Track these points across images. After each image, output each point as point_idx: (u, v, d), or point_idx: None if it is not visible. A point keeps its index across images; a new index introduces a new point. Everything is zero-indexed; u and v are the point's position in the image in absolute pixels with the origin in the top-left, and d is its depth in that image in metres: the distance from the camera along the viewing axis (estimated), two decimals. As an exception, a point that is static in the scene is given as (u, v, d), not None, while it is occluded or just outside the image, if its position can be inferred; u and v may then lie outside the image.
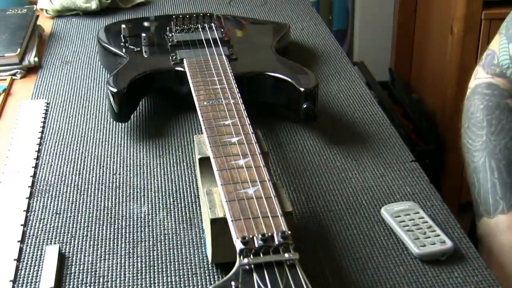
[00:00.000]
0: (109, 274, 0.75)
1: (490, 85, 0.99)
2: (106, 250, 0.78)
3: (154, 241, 0.79)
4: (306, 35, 1.34)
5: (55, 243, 0.79)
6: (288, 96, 1.01)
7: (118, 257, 0.77)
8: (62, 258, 0.77)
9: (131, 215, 0.84)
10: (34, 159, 0.95)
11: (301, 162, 0.94)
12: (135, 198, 0.87)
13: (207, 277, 0.74)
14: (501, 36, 1.01)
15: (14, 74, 1.20)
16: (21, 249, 0.79)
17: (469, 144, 0.95)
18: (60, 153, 0.97)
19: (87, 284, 0.73)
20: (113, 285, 0.73)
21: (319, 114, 1.01)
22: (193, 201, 0.87)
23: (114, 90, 0.98)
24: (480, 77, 1.00)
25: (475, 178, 0.93)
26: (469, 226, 1.09)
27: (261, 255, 0.62)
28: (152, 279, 0.74)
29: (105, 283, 0.74)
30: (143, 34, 1.12)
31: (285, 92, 1.01)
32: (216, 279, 0.74)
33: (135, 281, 0.74)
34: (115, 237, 0.80)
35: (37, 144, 0.99)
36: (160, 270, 0.75)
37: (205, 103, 0.88)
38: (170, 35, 1.14)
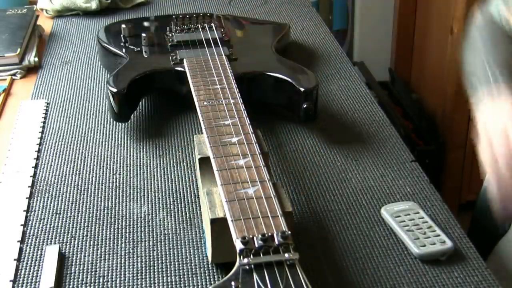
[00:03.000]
0: (109, 274, 0.75)
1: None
2: (106, 250, 0.78)
3: (154, 241, 0.79)
4: (306, 35, 1.34)
5: (55, 243, 0.79)
6: (288, 96, 1.01)
7: (118, 257, 0.77)
8: (62, 258, 0.77)
9: (131, 215, 0.84)
10: (34, 159, 0.95)
11: (301, 162, 0.94)
12: (135, 198, 0.87)
13: (207, 277, 0.74)
14: None
15: (14, 74, 1.20)
16: (21, 249, 0.79)
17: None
18: (60, 153, 0.97)
19: (87, 284, 0.73)
20: (113, 285, 0.73)
21: (319, 114, 1.01)
22: (193, 201, 0.87)
23: (114, 90, 0.98)
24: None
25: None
26: (469, 226, 1.09)
27: (261, 255, 0.62)
28: (152, 279, 0.74)
29: (105, 283, 0.74)
30: (143, 34, 1.12)
31: (285, 92, 1.01)
32: (216, 279, 0.74)
33: (135, 281, 0.74)
34: (115, 237, 0.80)
35: (37, 144, 0.99)
36: (160, 270, 0.75)
37: (205, 103, 0.88)
38: (170, 35, 1.14)
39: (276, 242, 0.63)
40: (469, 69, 0.97)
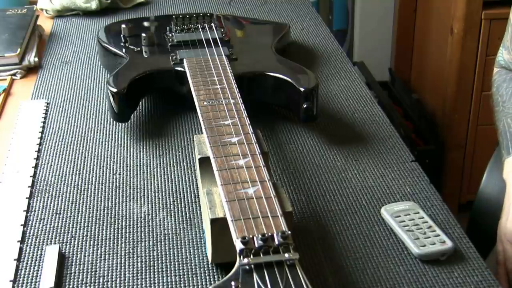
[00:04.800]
0: (109, 274, 0.75)
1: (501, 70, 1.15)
2: (106, 250, 0.78)
3: (154, 241, 0.79)
4: (306, 35, 1.34)
5: (55, 243, 0.79)
6: (288, 96, 1.01)
7: (118, 257, 0.77)
8: (62, 258, 0.77)
9: (131, 215, 0.84)
10: (34, 159, 0.95)
11: (301, 162, 0.94)
12: (135, 198, 0.87)
13: (207, 277, 0.74)
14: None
15: (14, 74, 1.20)
16: (21, 249, 0.79)
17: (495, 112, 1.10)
18: (60, 153, 0.97)
19: (87, 284, 0.73)
20: (113, 285, 0.73)
21: (319, 114, 1.01)
22: (193, 201, 0.87)
23: (114, 90, 0.98)
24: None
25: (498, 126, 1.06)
26: (467, 226, 1.09)
27: (261, 255, 0.62)
28: (152, 279, 0.74)
29: (105, 283, 0.74)
30: (143, 34, 1.12)
31: (285, 92, 1.01)
32: (216, 279, 0.74)
33: (135, 281, 0.74)
34: (115, 237, 0.80)
35: (37, 144, 0.99)
36: (160, 270, 0.75)
37: (205, 103, 0.88)
38: (170, 35, 1.14)
39: (276, 242, 0.63)
40: (498, 130, 1.05)
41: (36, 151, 0.97)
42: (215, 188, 0.73)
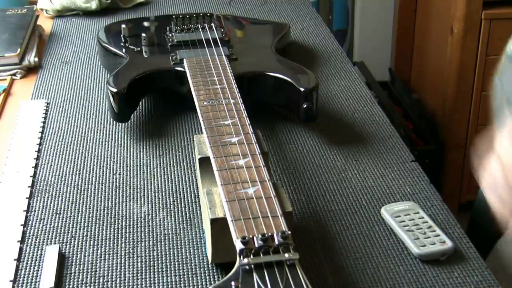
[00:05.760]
0: (109, 274, 0.75)
1: None
2: (106, 250, 0.78)
3: (154, 241, 0.79)
4: (306, 35, 1.34)
5: (55, 243, 0.79)
6: (288, 96, 1.01)
7: (118, 257, 0.77)
8: (62, 258, 0.77)
9: (131, 215, 0.84)
10: (34, 159, 0.95)
11: (301, 162, 0.94)
12: (135, 198, 0.87)
13: (207, 277, 0.74)
14: None
15: (14, 74, 1.20)
16: (21, 249, 0.79)
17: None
18: (60, 153, 0.97)
19: (87, 284, 0.73)
20: (113, 285, 0.73)
21: (319, 114, 1.01)
22: (193, 201, 0.87)
23: (114, 90, 0.98)
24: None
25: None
26: (467, 226, 1.09)
27: (261, 255, 0.62)
28: (152, 279, 0.74)
29: (105, 283, 0.74)
30: (143, 34, 1.12)
31: (285, 92, 1.01)
32: (216, 279, 0.74)
33: (135, 281, 0.74)
34: (115, 237, 0.80)
35: (37, 144, 0.99)
36: (160, 270, 0.75)
37: (205, 103, 0.88)
38: (170, 35, 1.14)
39: (276, 242, 0.63)
40: (494, 105, 1.02)
41: (36, 151, 0.97)
42: (215, 188, 0.73)
